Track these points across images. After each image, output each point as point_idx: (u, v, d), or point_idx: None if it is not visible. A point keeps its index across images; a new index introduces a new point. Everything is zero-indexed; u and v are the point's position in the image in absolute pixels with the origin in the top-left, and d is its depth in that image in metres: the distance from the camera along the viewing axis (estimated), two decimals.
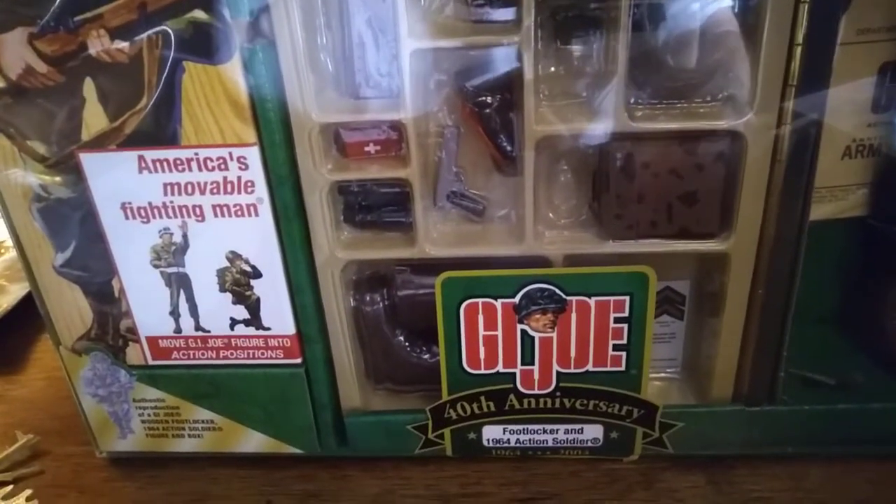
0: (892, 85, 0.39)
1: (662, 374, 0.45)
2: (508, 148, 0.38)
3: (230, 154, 0.36)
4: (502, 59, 0.36)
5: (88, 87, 0.35)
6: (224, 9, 0.33)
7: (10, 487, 0.45)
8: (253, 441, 0.44)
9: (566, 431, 0.42)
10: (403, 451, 0.44)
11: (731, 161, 0.36)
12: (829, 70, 0.33)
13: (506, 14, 0.34)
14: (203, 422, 0.44)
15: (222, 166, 0.36)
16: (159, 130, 0.35)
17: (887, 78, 0.38)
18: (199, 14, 0.33)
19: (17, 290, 0.62)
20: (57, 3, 0.33)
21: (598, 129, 0.35)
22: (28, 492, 0.45)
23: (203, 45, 0.33)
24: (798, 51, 0.32)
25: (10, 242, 0.69)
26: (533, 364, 0.40)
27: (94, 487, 0.45)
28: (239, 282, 0.39)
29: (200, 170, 0.36)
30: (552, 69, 0.37)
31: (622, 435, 0.42)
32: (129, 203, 0.38)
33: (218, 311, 0.40)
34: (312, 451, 0.44)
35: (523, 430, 0.42)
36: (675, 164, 0.36)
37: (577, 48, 0.36)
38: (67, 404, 0.46)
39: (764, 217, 0.36)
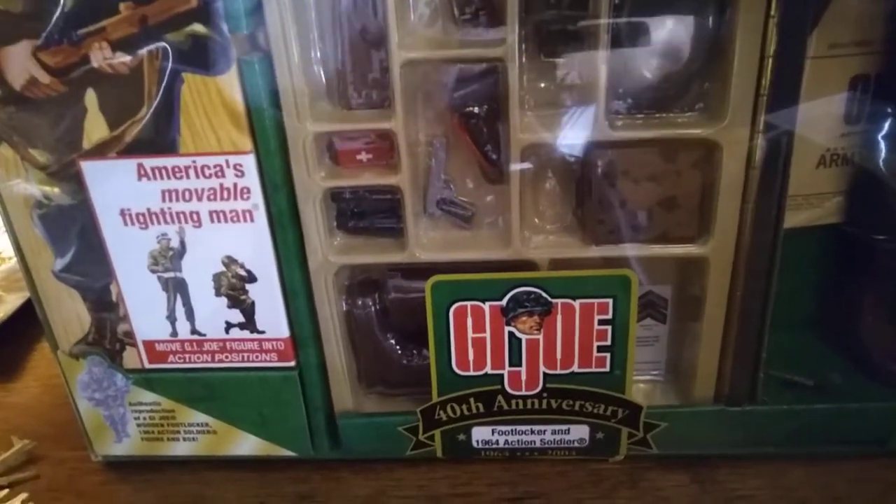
0: (863, 97, 0.40)
1: (646, 377, 0.46)
2: (495, 156, 0.39)
3: (227, 162, 0.37)
4: (489, 72, 0.37)
5: (90, 98, 0.36)
6: (222, 23, 0.34)
7: (5, 492, 0.45)
8: (247, 444, 0.45)
9: (553, 432, 0.43)
10: (395, 452, 0.45)
11: (708, 168, 0.37)
12: (798, 83, 0.35)
13: (492, 34, 0.36)
14: (198, 425, 0.45)
15: (219, 174, 0.37)
16: (158, 139, 0.36)
17: (858, 90, 0.40)
18: (198, 28, 0.34)
19: (14, 300, 0.62)
20: (61, 16, 0.34)
21: (581, 138, 0.37)
22: (24, 496, 0.45)
23: (201, 57, 0.34)
24: (768, 64, 0.34)
25: (6, 253, 0.70)
26: (520, 365, 0.41)
27: (90, 491, 0.46)
28: (234, 286, 0.40)
29: (198, 177, 0.37)
30: (536, 81, 0.38)
31: (608, 435, 0.43)
32: (128, 209, 0.39)
33: (213, 315, 0.41)
34: (305, 453, 0.45)
35: (511, 430, 0.43)
36: (655, 171, 0.37)
37: (560, 61, 0.38)
38: (63, 411, 0.47)
39: (740, 222, 0.38)
